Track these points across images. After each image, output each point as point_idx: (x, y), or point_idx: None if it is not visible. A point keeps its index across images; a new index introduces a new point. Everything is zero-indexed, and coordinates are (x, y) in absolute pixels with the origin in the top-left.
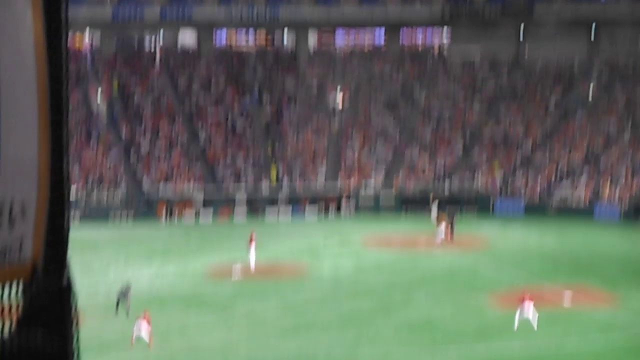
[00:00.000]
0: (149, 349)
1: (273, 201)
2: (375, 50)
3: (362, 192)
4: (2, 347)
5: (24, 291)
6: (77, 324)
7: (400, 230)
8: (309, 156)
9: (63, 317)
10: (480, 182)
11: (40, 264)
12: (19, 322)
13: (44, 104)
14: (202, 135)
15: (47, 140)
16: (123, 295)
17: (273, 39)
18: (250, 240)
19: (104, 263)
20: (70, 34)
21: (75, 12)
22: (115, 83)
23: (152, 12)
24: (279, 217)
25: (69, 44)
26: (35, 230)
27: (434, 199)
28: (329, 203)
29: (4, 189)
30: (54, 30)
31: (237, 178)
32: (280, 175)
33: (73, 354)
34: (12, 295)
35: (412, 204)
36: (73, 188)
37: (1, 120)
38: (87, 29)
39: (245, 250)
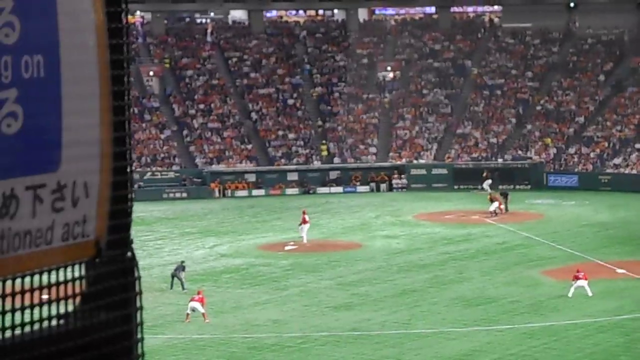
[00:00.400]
0: (204, 323)
1: (325, 177)
2: (426, 22)
3: (414, 167)
4: (68, 324)
5: (87, 268)
6: (140, 298)
7: (453, 205)
8: (360, 132)
9: (126, 292)
10: (533, 155)
11: (104, 241)
12: (83, 298)
13: (105, 87)
14: (254, 112)
15: (109, 123)
16: (178, 271)
17: (323, 12)
18: (303, 220)
19: (158, 240)
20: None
21: None
22: (167, 61)
23: None
24: (330, 193)
25: (128, 22)
26: (99, 209)
27: (486, 174)
28: (381, 178)
29: (67, 171)
30: (114, 12)
31: (289, 154)
32: (330, 150)
33: (136, 328)
34: (77, 272)
35: (465, 179)
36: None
37: (63, 103)
38: (138, 7)
39: (297, 228)
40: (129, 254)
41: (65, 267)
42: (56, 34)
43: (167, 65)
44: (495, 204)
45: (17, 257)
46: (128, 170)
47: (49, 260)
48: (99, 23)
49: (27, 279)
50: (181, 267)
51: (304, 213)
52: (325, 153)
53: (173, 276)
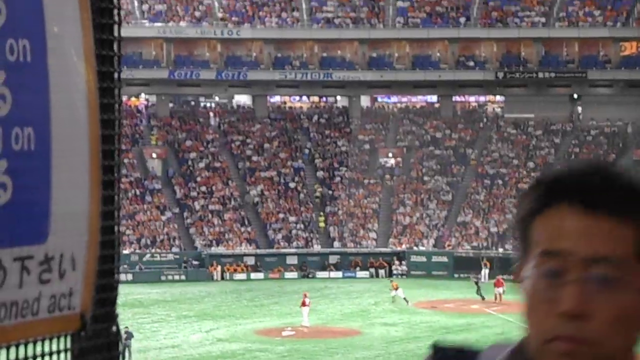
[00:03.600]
0: None
1: (324, 261)
2: (428, 110)
3: (414, 254)
4: None
5: (72, 341)
6: None
7: (452, 293)
8: (361, 217)
9: None
10: None
11: (89, 314)
12: None
13: (95, 160)
14: (255, 195)
15: (98, 196)
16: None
17: (326, 98)
18: (303, 303)
19: (155, 323)
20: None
21: (132, 73)
22: (169, 143)
23: (208, 74)
24: (330, 278)
25: (124, 104)
26: (85, 282)
27: (485, 262)
28: (380, 264)
29: (54, 243)
30: (107, 85)
31: (289, 238)
32: (330, 234)
33: None
34: (62, 345)
35: (465, 267)
36: (127, 249)
37: (52, 175)
38: (143, 89)
39: (297, 312)
40: (114, 328)
41: (50, 339)
42: (48, 108)
43: (170, 148)
44: (500, 289)
45: (2, 328)
46: (115, 244)
47: (34, 332)
48: (91, 98)
49: (12, 350)
50: (130, 335)
51: (304, 296)
52: (322, 224)
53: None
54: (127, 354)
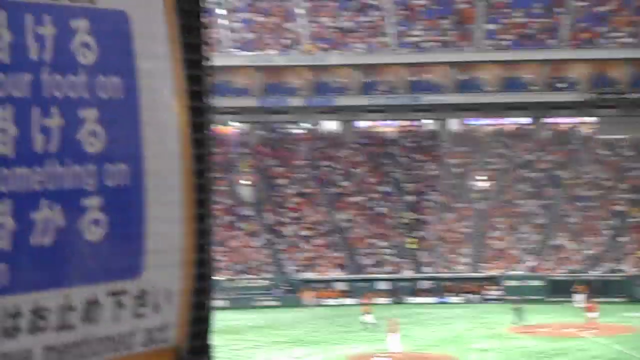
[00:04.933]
0: None
1: (415, 286)
2: (520, 132)
3: (508, 278)
4: None
5: None
6: None
7: (548, 317)
8: (452, 241)
9: None
10: (628, 268)
11: (184, 348)
12: None
13: (189, 194)
14: (344, 220)
15: (193, 230)
16: None
17: (415, 123)
18: (392, 329)
19: (249, 349)
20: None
21: (222, 102)
22: (260, 170)
23: (297, 101)
24: (421, 303)
25: (215, 133)
26: (180, 316)
27: (580, 286)
28: (473, 289)
29: (149, 278)
30: (199, 122)
31: (379, 263)
32: (422, 259)
33: None
34: None
35: (560, 291)
36: (220, 275)
37: (146, 211)
38: (233, 117)
39: (388, 339)
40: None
41: None
42: (140, 144)
43: (260, 174)
44: (593, 314)
45: None
46: (210, 276)
47: None
48: (183, 134)
49: None
50: None
51: (393, 322)
52: (412, 247)
53: None
54: None
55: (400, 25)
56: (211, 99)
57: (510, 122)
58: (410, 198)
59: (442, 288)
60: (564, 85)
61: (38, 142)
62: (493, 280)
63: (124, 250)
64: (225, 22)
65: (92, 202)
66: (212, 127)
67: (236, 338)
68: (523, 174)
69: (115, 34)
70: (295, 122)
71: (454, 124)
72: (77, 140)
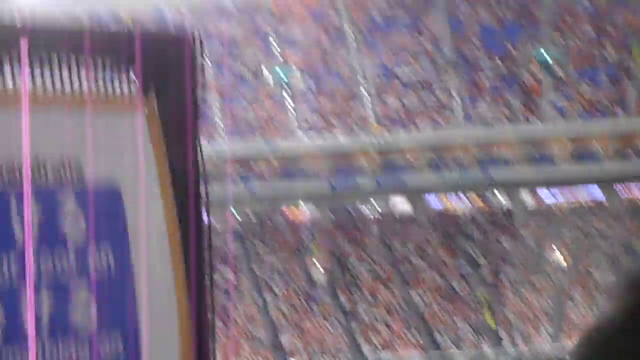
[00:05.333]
0: None
1: None
2: (593, 204)
3: None
4: None
5: None
6: None
7: None
8: (531, 317)
9: None
10: None
11: None
12: None
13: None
14: (419, 300)
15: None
16: None
17: (487, 199)
18: None
19: None
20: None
21: (293, 186)
22: (332, 252)
23: (366, 181)
24: None
25: (285, 215)
26: None
27: None
28: None
29: None
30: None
31: (457, 342)
32: (497, 326)
33: None
34: None
35: None
36: (295, 357)
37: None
38: (303, 202)
39: None
40: None
41: None
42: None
43: (332, 257)
44: None
45: None
46: None
47: None
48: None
49: None
50: None
51: None
52: (490, 322)
53: None
54: None
55: (465, 100)
56: (208, 265)
57: (583, 193)
58: (485, 274)
59: None
60: (635, 154)
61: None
62: None
63: None
64: (290, 106)
65: None
66: (208, 290)
67: None
68: (599, 246)
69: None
70: (366, 203)
71: (527, 198)
72: (69, 319)
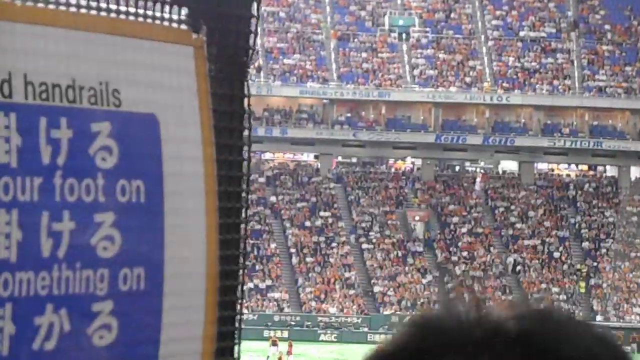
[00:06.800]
0: None
1: None
2: None
3: None
4: None
5: None
6: None
7: None
8: (626, 290)
9: None
10: None
11: None
12: None
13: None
14: (518, 263)
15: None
16: None
17: (595, 167)
18: None
19: None
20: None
21: (399, 137)
22: (433, 206)
23: (475, 139)
24: None
25: (390, 165)
26: None
27: None
28: None
29: None
30: (229, 222)
31: None
32: (594, 307)
33: None
34: None
35: None
36: (387, 310)
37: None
38: (410, 153)
39: None
40: None
41: None
42: (162, 248)
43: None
44: None
45: None
46: None
47: None
48: (211, 237)
49: None
50: None
51: None
52: (583, 290)
53: None
54: None
55: (585, 69)
56: (244, 200)
57: None
58: (586, 244)
59: None
60: None
61: (45, 246)
62: None
63: (135, 355)
64: (407, 57)
65: (103, 306)
66: (242, 225)
67: None
68: None
69: (142, 137)
70: (472, 160)
71: (635, 172)
72: (90, 244)
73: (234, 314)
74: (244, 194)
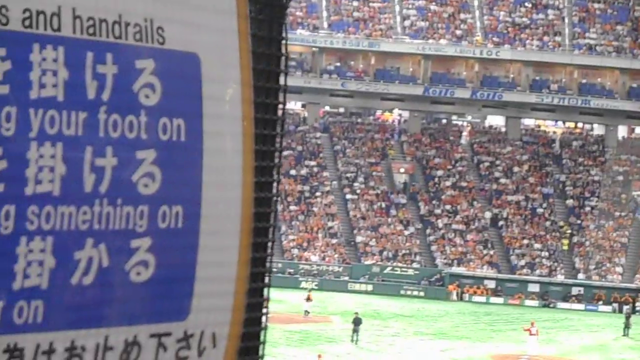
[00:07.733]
0: None
1: (567, 292)
2: None
3: None
4: None
5: None
6: None
7: None
8: (609, 250)
9: None
10: None
11: None
12: None
13: (246, 240)
14: (500, 218)
15: (247, 276)
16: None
17: (582, 125)
18: (529, 331)
19: (391, 336)
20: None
21: (387, 88)
22: (418, 159)
23: (463, 93)
24: (571, 309)
25: (377, 117)
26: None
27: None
28: (625, 299)
29: (195, 321)
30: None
31: (532, 265)
32: (575, 266)
33: None
34: None
35: None
36: (369, 259)
37: (199, 254)
38: (397, 104)
39: (527, 341)
40: None
41: None
42: (199, 188)
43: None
44: None
45: None
46: (261, 322)
47: None
48: (247, 178)
49: None
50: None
51: (532, 325)
52: (566, 247)
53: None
54: (355, 336)
55: (575, 26)
56: (279, 144)
57: None
58: (570, 202)
59: (593, 295)
60: None
61: (87, 181)
62: None
63: (171, 292)
64: (399, 7)
65: (142, 243)
66: (277, 170)
67: (380, 324)
68: None
69: (183, 76)
70: (459, 114)
71: (621, 131)
72: (131, 181)
73: (265, 255)
74: (278, 138)
